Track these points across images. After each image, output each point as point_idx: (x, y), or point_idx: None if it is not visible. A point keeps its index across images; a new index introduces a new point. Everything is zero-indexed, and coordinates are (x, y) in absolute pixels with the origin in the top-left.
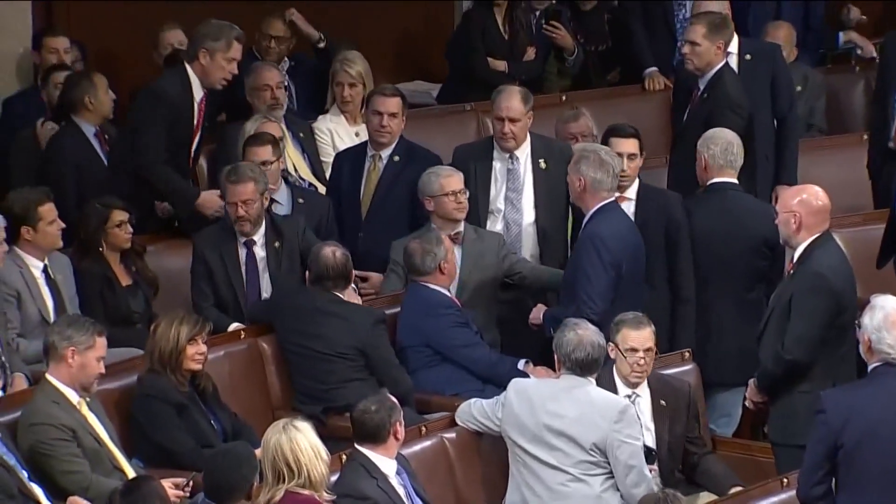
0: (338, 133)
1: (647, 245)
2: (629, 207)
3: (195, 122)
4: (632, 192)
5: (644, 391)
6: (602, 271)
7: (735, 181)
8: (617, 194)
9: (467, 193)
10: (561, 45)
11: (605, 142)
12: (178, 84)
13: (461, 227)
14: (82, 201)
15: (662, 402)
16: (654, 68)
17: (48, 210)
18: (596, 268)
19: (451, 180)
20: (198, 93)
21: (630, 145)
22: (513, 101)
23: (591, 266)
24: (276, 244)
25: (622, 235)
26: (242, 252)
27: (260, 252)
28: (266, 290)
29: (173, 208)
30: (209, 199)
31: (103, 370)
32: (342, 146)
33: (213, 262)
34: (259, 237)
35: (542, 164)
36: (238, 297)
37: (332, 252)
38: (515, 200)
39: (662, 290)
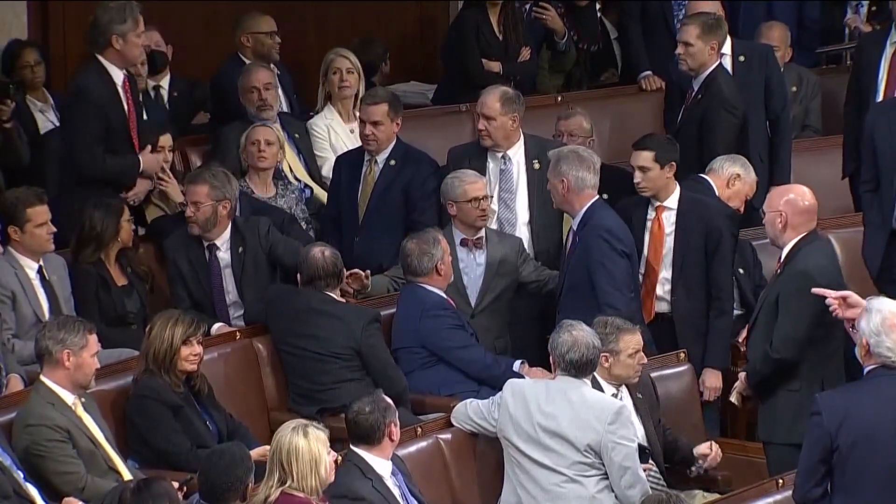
0: (334, 129)
1: (686, 255)
2: (670, 217)
3: (125, 106)
4: (672, 201)
5: (623, 389)
6: (619, 259)
7: (703, 176)
8: (657, 203)
9: (490, 200)
10: (551, 28)
11: None
12: (96, 76)
13: (483, 232)
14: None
15: (639, 395)
16: (648, 72)
17: (37, 212)
18: (613, 258)
19: (475, 187)
20: (118, 77)
21: (637, 158)
22: (489, 98)
23: (607, 258)
24: (240, 249)
25: (624, 226)
26: (208, 255)
27: (224, 256)
28: (231, 295)
29: (127, 188)
30: (149, 161)
31: (98, 364)
32: (339, 143)
33: (182, 265)
34: (222, 242)
35: (536, 165)
36: (212, 298)
37: (321, 252)
38: (509, 201)
39: (699, 299)
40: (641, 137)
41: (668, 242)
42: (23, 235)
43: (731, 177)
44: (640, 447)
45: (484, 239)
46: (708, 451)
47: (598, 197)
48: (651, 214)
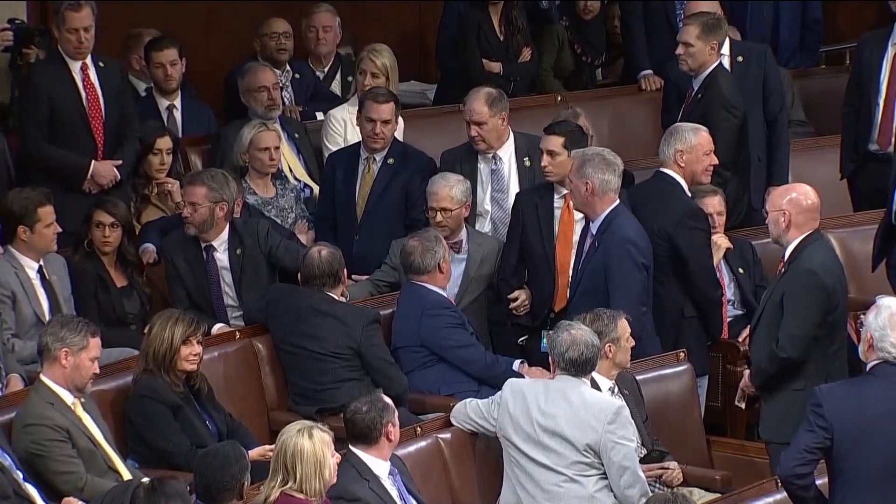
0: (352, 124)
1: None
2: None
3: (83, 94)
4: None
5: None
6: (638, 273)
7: (663, 170)
8: (564, 191)
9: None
10: None
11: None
12: (49, 61)
13: (462, 234)
14: None
15: (626, 392)
16: (648, 71)
17: (47, 212)
18: (632, 272)
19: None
20: (73, 64)
21: (547, 142)
22: (476, 103)
23: (627, 271)
24: (238, 251)
25: (644, 235)
26: (205, 256)
27: (221, 258)
28: (229, 296)
29: (72, 184)
30: (102, 169)
31: (97, 370)
32: (353, 139)
33: (181, 266)
34: (219, 243)
35: (527, 162)
36: (210, 299)
37: (318, 252)
38: (501, 200)
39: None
40: (552, 123)
41: (578, 229)
42: (32, 236)
43: (675, 155)
44: (661, 452)
45: (464, 241)
46: (669, 469)
47: (618, 202)
48: (559, 202)
